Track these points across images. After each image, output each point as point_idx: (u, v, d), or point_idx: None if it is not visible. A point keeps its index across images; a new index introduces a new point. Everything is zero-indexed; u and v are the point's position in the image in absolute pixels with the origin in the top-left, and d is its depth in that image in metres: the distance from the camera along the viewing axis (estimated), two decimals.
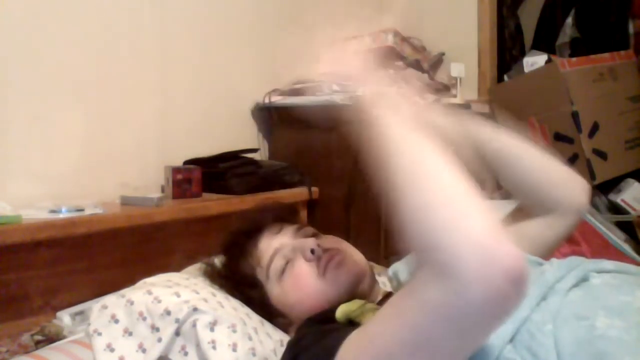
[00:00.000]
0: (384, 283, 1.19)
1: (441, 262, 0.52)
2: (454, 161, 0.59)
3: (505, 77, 2.42)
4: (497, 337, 0.66)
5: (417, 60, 2.25)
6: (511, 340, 0.67)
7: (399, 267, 0.89)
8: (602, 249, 1.82)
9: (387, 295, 0.95)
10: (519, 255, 0.50)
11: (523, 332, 0.67)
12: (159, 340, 0.87)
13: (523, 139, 0.95)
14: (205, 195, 1.59)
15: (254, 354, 0.86)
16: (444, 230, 0.53)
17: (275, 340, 0.93)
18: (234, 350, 0.85)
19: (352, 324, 0.78)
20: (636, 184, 2.21)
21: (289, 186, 1.79)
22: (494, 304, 0.50)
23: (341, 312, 0.80)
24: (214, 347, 0.84)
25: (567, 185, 0.95)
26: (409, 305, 0.57)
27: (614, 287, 0.73)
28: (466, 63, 2.31)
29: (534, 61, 2.26)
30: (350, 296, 0.87)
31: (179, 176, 1.55)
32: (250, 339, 0.88)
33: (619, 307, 0.66)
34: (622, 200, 2.19)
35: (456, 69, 2.25)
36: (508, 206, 1.84)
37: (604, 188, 2.23)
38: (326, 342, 0.70)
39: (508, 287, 0.49)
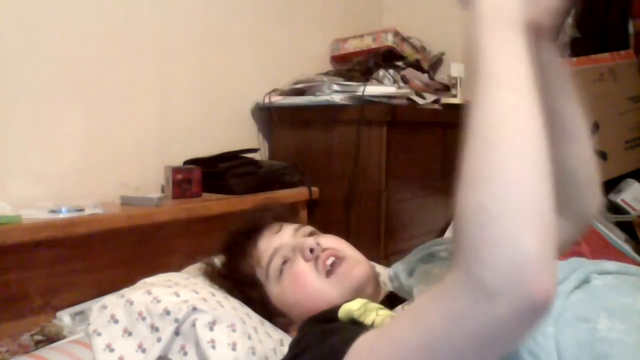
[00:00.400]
0: (383, 283, 1.19)
1: (474, 270, 0.49)
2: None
3: None
4: None
5: (417, 60, 2.25)
6: None
7: (400, 267, 0.89)
8: (602, 249, 1.82)
9: (389, 296, 0.95)
10: (552, 288, 0.48)
11: None
12: (159, 340, 0.87)
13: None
14: (205, 195, 1.59)
15: (253, 353, 0.86)
16: (492, 243, 0.48)
17: (275, 339, 0.93)
18: (234, 349, 0.85)
19: (354, 323, 0.78)
20: (636, 184, 2.21)
21: (289, 186, 1.79)
22: (516, 326, 0.49)
23: (344, 311, 0.80)
24: (213, 347, 0.84)
25: (591, 188, 0.88)
26: (428, 309, 0.56)
27: (615, 288, 0.72)
28: (466, 63, 2.31)
29: None
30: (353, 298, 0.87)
31: (179, 176, 1.55)
32: (249, 338, 0.88)
33: (621, 309, 0.66)
34: (622, 200, 2.19)
35: (456, 69, 2.25)
36: None
37: (604, 188, 2.23)
38: (331, 343, 0.69)
39: (531, 313, 0.48)
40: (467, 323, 0.51)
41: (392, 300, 0.90)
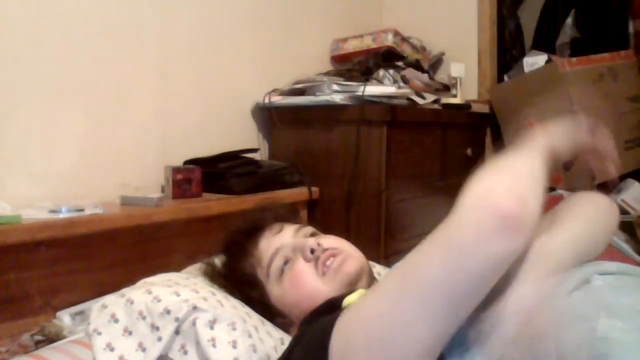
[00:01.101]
0: None
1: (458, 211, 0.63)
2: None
3: (505, 77, 2.42)
4: (499, 338, 0.66)
5: (417, 60, 2.25)
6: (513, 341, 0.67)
7: None
8: None
9: None
10: (514, 207, 0.60)
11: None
12: (159, 339, 0.87)
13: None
14: (205, 195, 1.59)
15: (254, 351, 0.86)
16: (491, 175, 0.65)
17: (275, 338, 0.93)
18: (234, 347, 0.85)
19: None
20: (636, 184, 2.21)
21: (289, 186, 1.79)
22: (485, 239, 0.59)
23: (347, 303, 0.80)
24: (213, 345, 0.84)
25: (606, 240, 0.89)
26: (415, 255, 0.68)
27: (615, 289, 0.72)
28: (466, 63, 2.31)
29: (534, 61, 2.26)
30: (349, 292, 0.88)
31: (179, 176, 1.55)
32: (250, 336, 0.88)
33: (621, 309, 0.66)
34: (622, 200, 2.19)
35: (456, 69, 2.25)
36: None
37: (604, 188, 2.23)
38: (322, 322, 0.73)
39: (496, 223, 0.59)
40: (442, 242, 0.64)
41: None
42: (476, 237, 0.60)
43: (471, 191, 0.63)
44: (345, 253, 0.96)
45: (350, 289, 0.90)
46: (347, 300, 0.81)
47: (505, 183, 0.63)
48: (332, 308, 0.82)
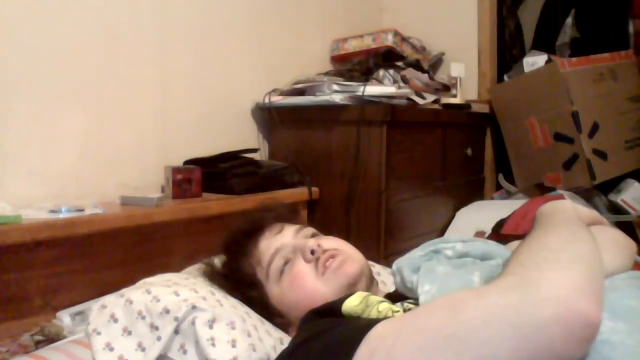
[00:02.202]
0: (383, 282, 1.19)
1: (534, 279, 0.59)
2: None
3: (505, 77, 2.42)
4: None
5: (417, 60, 2.25)
6: None
7: (404, 263, 0.89)
8: None
9: (388, 296, 0.95)
10: (597, 314, 0.56)
11: None
12: (158, 339, 0.87)
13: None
14: (205, 195, 1.59)
15: (254, 350, 0.86)
16: (559, 262, 0.61)
17: (275, 337, 0.93)
18: (234, 346, 0.85)
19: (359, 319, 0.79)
20: (636, 184, 2.21)
21: (289, 186, 1.79)
22: (559, 329, 0.55)
23: (347, 309, 0.80)
24: (213, 344, 0.84)
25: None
26: (471, 302, 0.60)
27: (618, 290, 0.72)
28: (466, 63, 2.31)
29: (534, 61, 2.27)
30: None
31: (179, 176, 1.55)
32: (249, 335, 0.88)
33: (624, 311, 0.66)
34: (622, 200, 2.19)
35: (456, 69, 2.25)
36: (507, 205, 1.84)
37: (604, 188, 2.23)
38: (344, 330, 0.71)
39: (571, 327, 0.55)
40: (509, 315, 0.57)
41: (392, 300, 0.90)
42: (542, 328, 0.56)
43: (551, 280, 0.58)
44: (345, 254, 0.96)
45: (350, 290, 0.90)
46: (347, 303, 0.81)
47: (586, 279, 0.59)
48: (331, 311, 0.82)
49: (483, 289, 0.62)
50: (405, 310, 0.81)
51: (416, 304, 0.84)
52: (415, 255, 0.93)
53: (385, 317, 0.79)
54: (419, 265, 0.87)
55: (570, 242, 0.66)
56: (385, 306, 0.80)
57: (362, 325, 0.68)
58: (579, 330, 0.55)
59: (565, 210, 0.77)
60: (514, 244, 0.89)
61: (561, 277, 0.58)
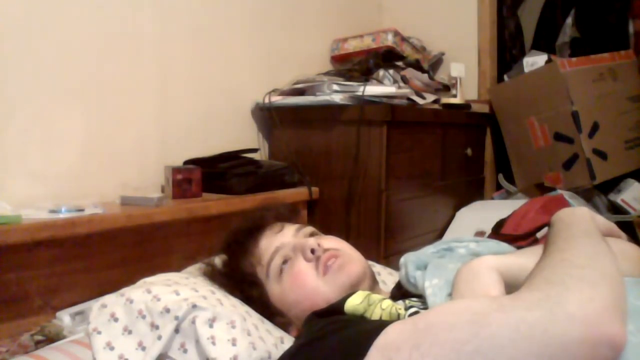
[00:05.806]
0: (384, 282, 1.19)
1: (560, 296, 0.58)
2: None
3: (505, 77, 2.42)
4: None
5: (417, 60, 2.25)
6: None
7: (411, 257, 0.90)
8: None
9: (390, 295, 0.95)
10: (623, 335, 0.56)
11: None
12: (159, 338, 0.87)
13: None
14: (205, 195, 1.59)
15: (254, 349, 0.86)
16: (584, 280, 0.60)
17: (275, 336, 0.93)
18: (234, 345, 0.85)
19: (361, 318, 0.79)
20: (636, 184, 2.21)
21: (289, 186, 1.79)
22: (586, 349, 0.55)
23: (349, 308, 0.80)
24: (213, 343, 0.84)
25: None
26: (495, 316, 0.59)
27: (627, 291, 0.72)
28: (466, 63, 2.32)
29: (534, 61, 2.27)
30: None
31: (179, 176, 1.55)
32: (249, 334, 0.87)
33: (631, 310, 0.66)
34: (622, 200, 2.19)
35: (456, 69, 2.25)
36: (507, 205, 1.84)
37: (604, 188, 2.23)
38: (351, 333, 0.70)
39: (605, 347, 0.55)
40: (536, 334, 0.56)
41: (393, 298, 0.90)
42: (569, 347, 0.56)
43: (577, 299, 0.58)
44: (347, 255, 0.96)
45: (351, 290, 0.89)
46: (349, 302, 0.82)
47: (612, 299, 0.59)
48: (334, 311, 0.81)
49: (507, 303, 0.60)
50: (407, 308, 0.81)
51: (418, 301, 0.84)
52: (426, 252, 0.93)
53: (389, 316, 0.79)
54: (427, 261, 0.87)
55: (594, 258, 0.66)
56: (388, 303, 0.80)
57: (368, 329, 0.67)
58: (605, 351, 0.55)
59: (585, 221, 0.76)
60: (529, 249, 0.88)
61: (588, 297, 0.58)
